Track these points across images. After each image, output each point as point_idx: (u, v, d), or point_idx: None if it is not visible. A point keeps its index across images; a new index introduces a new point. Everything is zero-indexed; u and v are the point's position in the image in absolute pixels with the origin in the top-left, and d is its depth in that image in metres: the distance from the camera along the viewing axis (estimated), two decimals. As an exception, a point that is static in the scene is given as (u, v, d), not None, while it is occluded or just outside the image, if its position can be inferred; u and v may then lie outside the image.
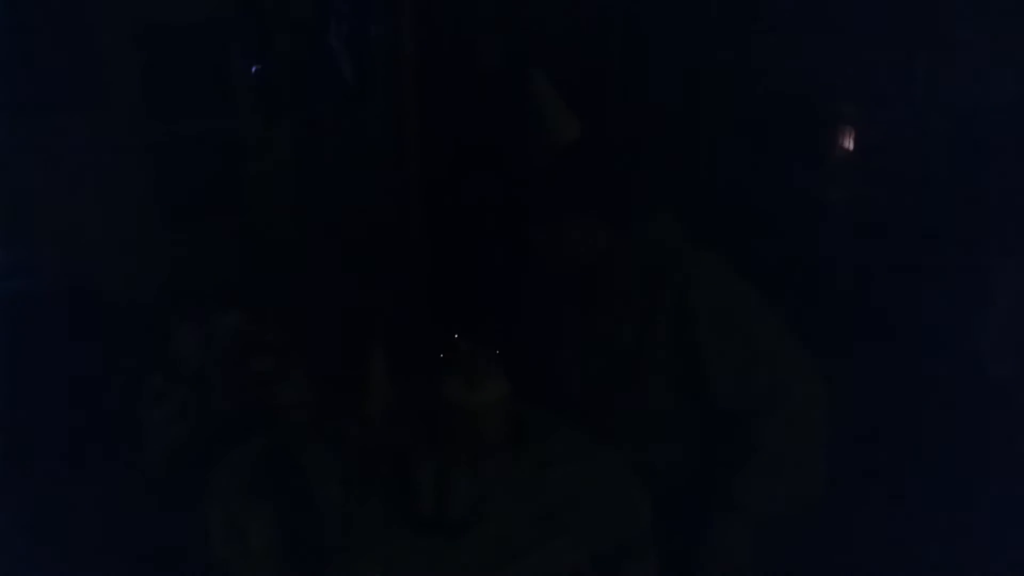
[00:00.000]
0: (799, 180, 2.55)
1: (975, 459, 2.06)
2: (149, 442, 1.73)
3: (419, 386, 1.69)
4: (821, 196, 2.58)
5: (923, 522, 2.00)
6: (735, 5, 2.53)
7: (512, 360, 1.66)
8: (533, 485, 1.54)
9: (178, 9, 2.31)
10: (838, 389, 1.66)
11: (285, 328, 1.73)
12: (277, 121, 2.37)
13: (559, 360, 1.83)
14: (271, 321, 1.74)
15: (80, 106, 2.26)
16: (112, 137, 2.27)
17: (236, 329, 1.73)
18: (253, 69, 2.36)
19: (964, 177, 2.21)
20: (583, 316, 1.81)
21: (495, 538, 1.41)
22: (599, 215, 1.69)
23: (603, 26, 2.61)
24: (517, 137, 1.89)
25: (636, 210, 1.73)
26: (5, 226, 2.19)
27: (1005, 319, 2.24)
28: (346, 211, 2.34)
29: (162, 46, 2.31)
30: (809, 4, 2.38)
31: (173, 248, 2.31)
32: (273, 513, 1.42)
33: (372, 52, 2.51)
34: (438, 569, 1.37)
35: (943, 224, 2.23)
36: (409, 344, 1.80)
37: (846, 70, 2.37)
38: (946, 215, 2.22)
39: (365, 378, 1.64)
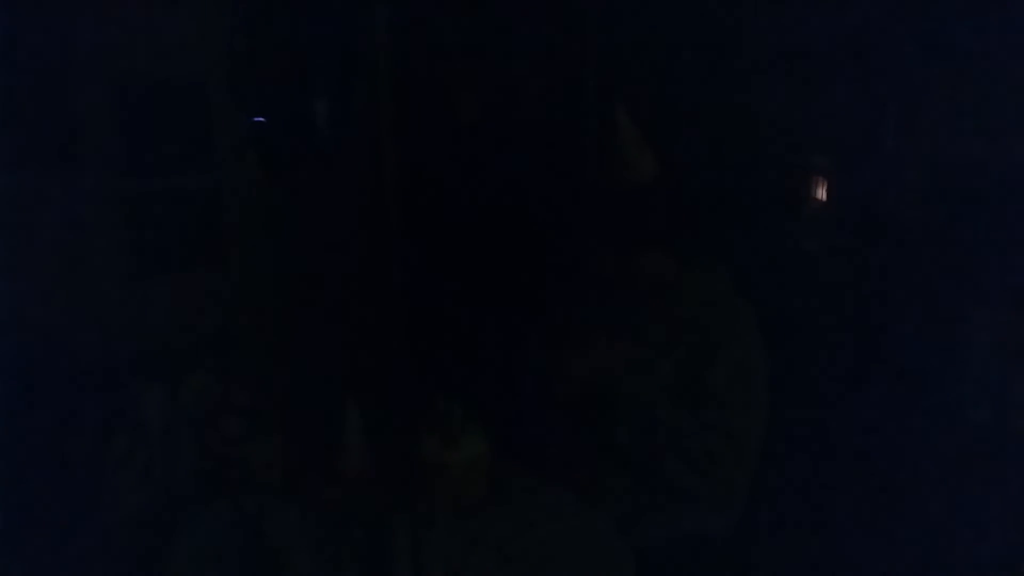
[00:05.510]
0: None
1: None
2: (113, 506, 1.68)
3: (395, 445, 1.66)
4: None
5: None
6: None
7: (489, 417, 1.64)
8: (512, 545, 1.51)
9: (162, 65, 2.32)
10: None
11: (255, 388, 1.70)
12: (251, 179, 2.37)
13: (538, 417, 1.81)
14: (240, 381, 1.71)
15: (57, 163, 2.24)
16: (82, 193, 2.26)
17: (204, 390, 1.70)
18: (255, 120, 2.37)
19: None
20: (564, 372, 1.81)
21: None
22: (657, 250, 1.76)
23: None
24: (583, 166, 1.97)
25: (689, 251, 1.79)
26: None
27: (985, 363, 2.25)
28: (320, 269, 2.33)
29: (141, 102, 2.31)
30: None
31: (140, 307, 2.27)
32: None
33: (349, 112, 2.52)
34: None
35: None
36: (384, 403, 1.78)
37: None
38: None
39: (339, 438, 1.61)
